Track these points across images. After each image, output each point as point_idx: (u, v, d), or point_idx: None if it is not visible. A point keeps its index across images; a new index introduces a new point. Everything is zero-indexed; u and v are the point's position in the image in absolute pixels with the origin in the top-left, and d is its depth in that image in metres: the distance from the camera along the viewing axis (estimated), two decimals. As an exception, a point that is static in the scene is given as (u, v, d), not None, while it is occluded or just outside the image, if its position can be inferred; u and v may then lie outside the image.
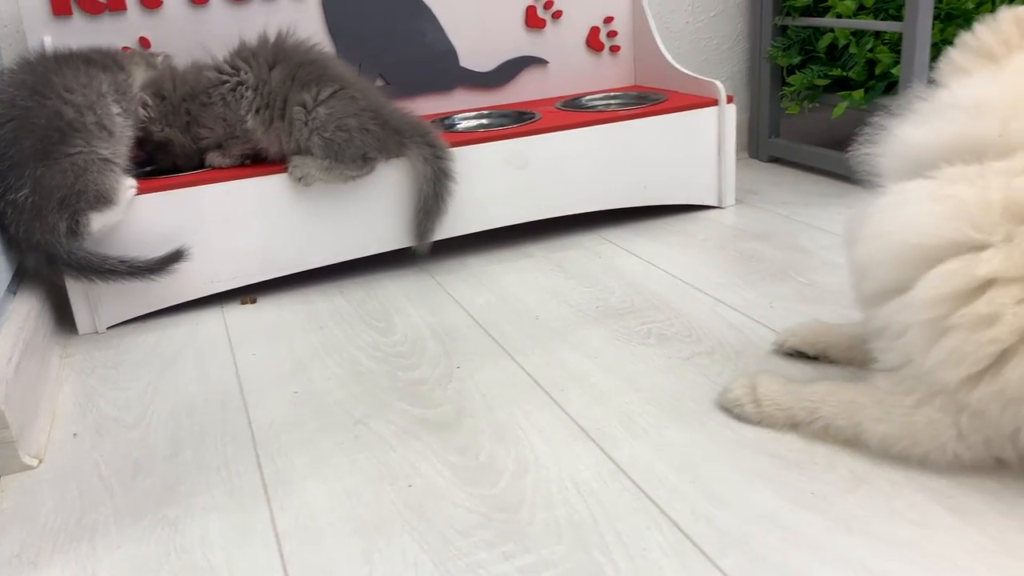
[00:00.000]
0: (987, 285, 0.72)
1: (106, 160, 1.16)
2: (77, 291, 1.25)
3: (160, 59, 1.36)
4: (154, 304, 1.30)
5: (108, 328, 1.28)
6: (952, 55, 0.87)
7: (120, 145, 1.20)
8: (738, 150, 1.95)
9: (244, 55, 1.34)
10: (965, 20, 1.65)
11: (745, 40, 1.92)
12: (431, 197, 1.33)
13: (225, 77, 1.32)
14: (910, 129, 0.83)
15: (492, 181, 1.43)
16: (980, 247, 0.73)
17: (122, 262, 1.20)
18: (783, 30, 1.82)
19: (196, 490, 0.86)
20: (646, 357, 1.06)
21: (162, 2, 1.43)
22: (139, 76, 1.29)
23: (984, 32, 0.85)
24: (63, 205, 1.14)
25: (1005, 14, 0.85)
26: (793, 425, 0.87)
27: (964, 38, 0.87)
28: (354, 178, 1.31)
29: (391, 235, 1.39)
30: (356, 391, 1.03)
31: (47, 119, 1.13)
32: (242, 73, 1.32)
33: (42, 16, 1.37)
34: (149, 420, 1.01)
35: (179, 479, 0.88)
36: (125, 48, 1.40)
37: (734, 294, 1.22)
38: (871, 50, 1.66)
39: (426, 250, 1.37)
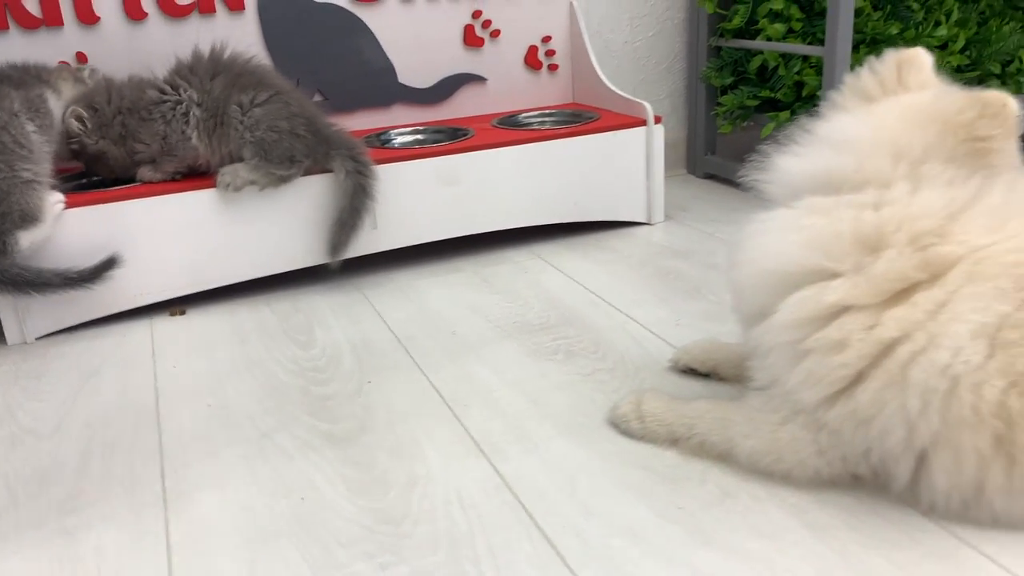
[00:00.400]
0: (838, 312, 0.77)
1: (28, 181, 1.18)
2: (5, 303, 1.27)
3: (87, 73, 1.38)
4: (83, 315, 1.33)
5: (37, 339, 1.30)
6: (836, 93, 0.92)
7: (41, 163, 1.22)
8: (676, 166, 2.01)
9: (183, 73, 1.37)
10: (889, 44, 1.70)
11: (683, 60, 1.97)
12: (348, 211, 1.36)
13: (167, 97, 1.35)
14: (786, 159, 0.88)
15: (423, 197, 1.47)
16: (832, 275, 0.77)
17: (56, 274, 1.23)
18: (717, 51, 1.87)
19: (98, 501, 0.89)
20: (550, 373, 1.10)
21: (99, 18, 1.46)
22: (67, 91, 1.32)
23: (866, 73, 0.90)
24: (-12, 227, 1.16)
25: (889, 57, 0.89)
26: (673, 441, 0.91)
27: (849, 78, 0.91)
28: (281, 179, 1.34)
29: (317, 250, 1.42)
30: (268, 405, 1.07)
31: None
32: (181, 92, 1.35)
33: (-22, 31, 1.40)
34: (63, 431, 1.03)
35: (83, 490, 0.91)
36: (61, 62, 1.43)
37: (646, 311, 1.27)
38: (799, 72, 1.72)
39: (338, 265, 1.40)
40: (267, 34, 1.58)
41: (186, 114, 1.33)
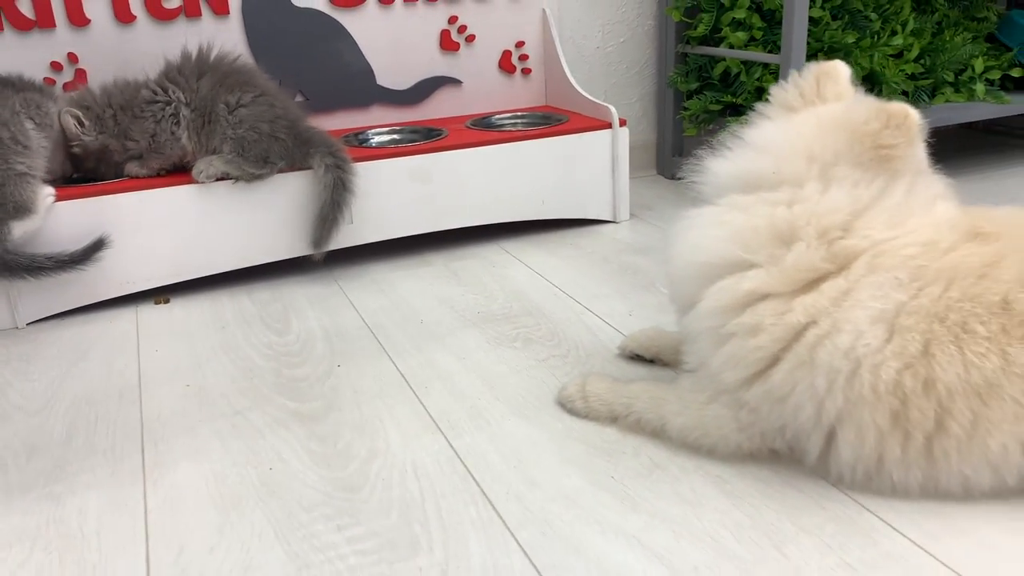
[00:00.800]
0: (754, 300, 0.85)
1: (23, 174, 1.26)
2: (-2, 289, 1.35)
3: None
4: (72, 302, 1.40)
5: (28, 324, 1.38)
6: (762, 103, 0.99)
7: (37, 158, 1.30)
8: (646, 168, 2.09)
9: (172, 76, 1.44)
10: (845, 53, 1.79)
11: (653, 66, 2.05)
12: (329, 205, 1.44)
13: (158, 98, 1.42)
14: (715, 161, 0.96)
15: (398, 194, 1.55)
16: (749, 266, 0.85)
17: (48, 258, 1.30)
18: (684, 57, 1.96)
19: (82, 471, 0.97)
20: (508, 359, 1.18)
21: (90, 20, 1.53)
22: (55, 114, 1.38)
23: (790, 85, 0.97)
24: (-17, 217, 1.24)
25: (811, 69, 0.97)
26: (613, 419, 0.99)
27: (775, 89, 0.99)
28: (253, 177, 1.42)
29: (297, 242, 1.50)
30: (243, 386, 1.14)
31: None
32: (171, 93, 1.42)
33: (-26, 31, 1.47)
34: (51, 409, 1.11)
35: (69, 461, 0.99)
36: (53, 69, 1.51)
37: (602, 303, 1.35)
38: (759, 79, 1.80)
39: (321, 257, 1.48)
40: (251, 37, 1.65)
41: (175, 115, 1.40)
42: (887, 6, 1.92)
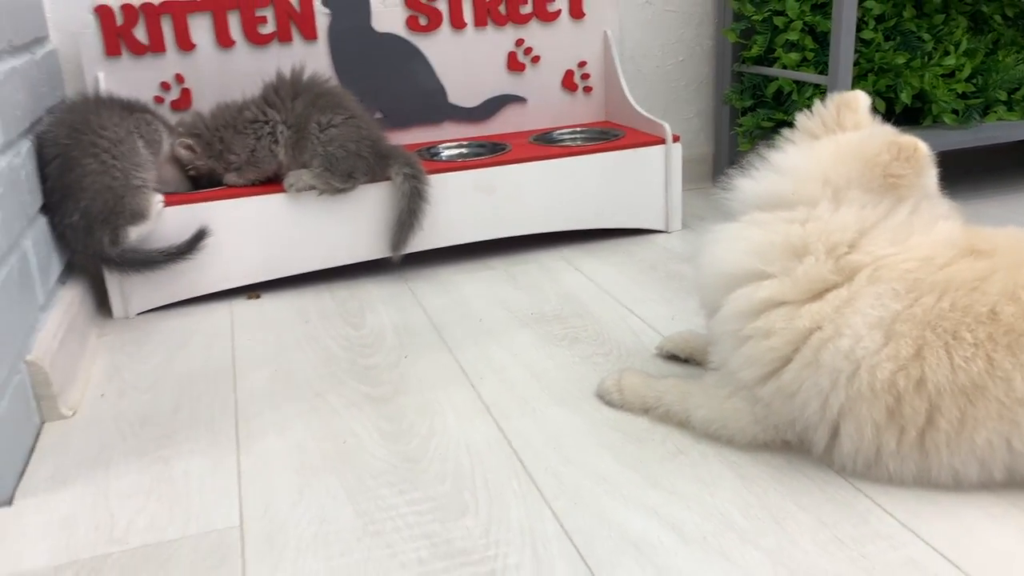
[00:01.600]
0: (768, 306, 0.96)
1: (138, 186, 1.45)
2: (114, 284, 1.54)
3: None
4: (175, 296, 1.59)
5: (137, 314, 1.57)
6: (788, 130, 1.10)
7: (148, 171, 1.49)
8: (703, 180, 2.19)
9: (270, 98, 1.62)
10: (896, 74, 1.86)
11: (710, 83, 2.15)
12: (406, 212, 1.59)
13: (260, 119, 1.60)
14: (743, 180, 1.07)
15: (463, 203, 1.69)
16: (765, 276, 0.96)
17: (159, 252, 1.49)
18: (740, 76, 2.05)
19: (186, 439, 1.13)
20: (556, 355, 1.31)
21: (195, 45, 1.72)
22: (165, 135, 1.56)
23: (814, 113, 1.08)
24: (105, 223, 1.42)
25: (833, 99, 1.07)
26: (645, 410, 1.11)
27: (800, 116, 1.09)
28: (337, 190, 1.58)
29: (375, 246, 1.66)
30: (323, 372, 1.30)
31: (82, 151, 1.41)
32: (270, 114, 1.60)
33: (97, 55, 1.67)
34: (159, 387, 1.28)
35: (175, 430, 1.16)
36: (162, 89, 1.70)
37: (647, 307, 1.46)
38: (810, 98, 1.88)
39: (399, 259, 1.63)
40: (336, 59, 1.82)
41: (273, 133, 1.58)
42: (941, 27, 1.98)
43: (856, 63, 1.87)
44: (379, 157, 1.61)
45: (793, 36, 1.90)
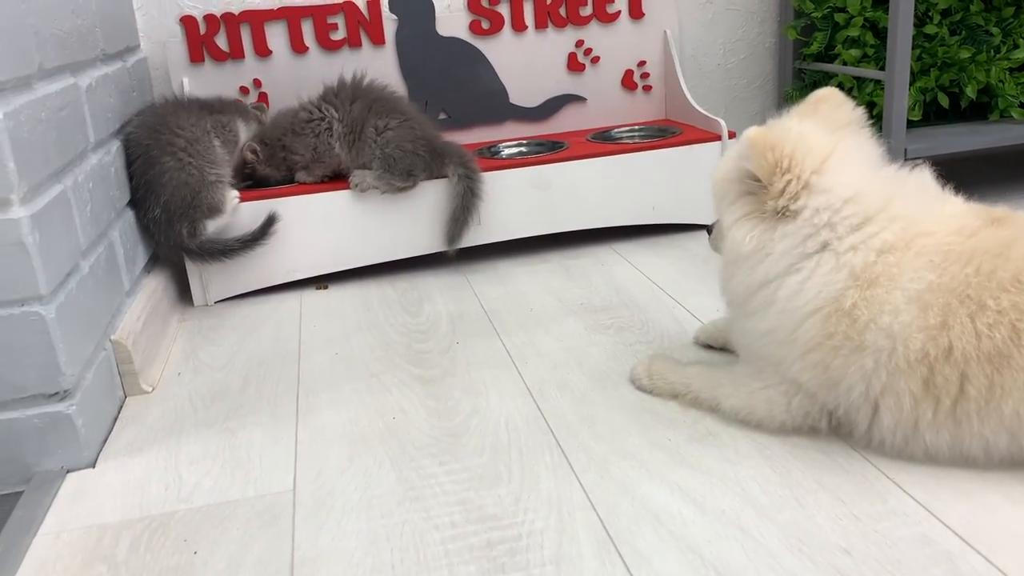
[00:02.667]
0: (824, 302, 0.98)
1: (214, 182, 1.56)
2: (194, 274, 1.66)
3: (263, 114, 1.76)
4: (250, 286, 1.70)
5: (216, 302, 1.68)
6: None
7: (224, 167, 1.60)
8: (764, 177, 2.19)
9: (329, 98, 1.72)
10: (960, 68, 1.84)
11: (772, 81, 2.16)
12: (460, 209, 1.67)
13: (315, 116, 1.71)
14: None
15: (521, 199, 1.75)
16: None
17: (236, 240, 1.61)
18: (800, 73, 2.06)
19: (251, 412, 1.23)
20: (600, 343, 1.36)
21: (271, 51, 1.84)
22: (242, 130, 1.69)
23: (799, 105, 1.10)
24: (184, 217, 1.54)
25: (813, 95, 1.10)
26: (674, 395, 1.15)
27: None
28: (399, 189, 1.66)
29: (434, 240, 1.74)
30: (379, 355, 1.38)
31: (161, 149, 1.53)
32: (325, 111, 1.70)
33: (182, 62, 1.80)
34: (231, 367, 1.39)
35: (242, 405, 1.26)
36: (241, 93, 1.82)
37: (694, 299, 1.50)
38: (871, 94, 1.88)
39: (454, 254, 1.71)
40: (402, 63, 1.91)
41: (329, 128, 1.68)
42: (1011, 20, 1.94)
43: (918, 58, 1.85)
44: (435, 155, 1.68)
45: (854, 32, 1.89)
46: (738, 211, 1.03)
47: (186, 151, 1.54)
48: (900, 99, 1.72)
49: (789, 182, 0.97)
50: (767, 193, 0.98)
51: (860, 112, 1.05)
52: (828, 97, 1.06)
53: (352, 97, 1.70)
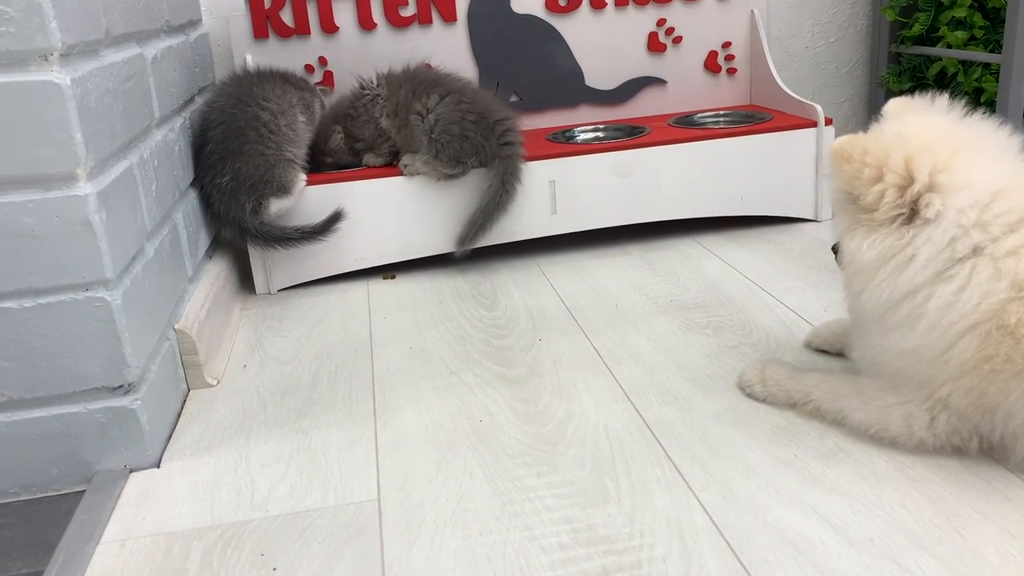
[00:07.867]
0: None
1: (289, 160, 1.48)
2: (257, 260, 1.58)
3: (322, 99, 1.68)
4: (315, 274, 1.61)
5: (279, 291, 1.60)
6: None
7: (301, 148, 1.52)
8: (851, 168, 2.06)
9: (380, 77, 1.63)
10: (1080, 51, 1.69)
11: (864, 65, 2.02)
12: (479, 214, 1.56)
13: (365, 92, 1.62)
14: None
15: (599, 187, 1.65)
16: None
17: (296, 230, 1.52)
18: (898, 57, 1.92)
19: (325, 410, 1.14)
20: (698, 344, 1.24)
21: (338, 27, 1.75)
22: (319, 111, 1.62)
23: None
24: (252, 190, 1.46)
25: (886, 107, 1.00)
26: (791, 404, 1.04)
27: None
28: (447, 176, 1.56)
29: (505, 229, 1.63)
30: (457, 351, 1.28)
31: (246, 121, 1.46)
32: (376, 86, 1.61)
33: (246, 38, 1.72)
34: (299, 360, 1.30)
35: (314, 402, 1.16)
36: (306, 71, 1.73)
37: (796, 297, 1.38)
38: (978, 79, 1.74)
39: (463, 254, 1.59)
40: (474, 42, 1.81)
41: (374, 101, 1.60)
42: None
43: (1034, 40, 1.71)
44: (488, 133, 1.55)
45: (960, 13, 1.75)
46: (844, 222, 0.94)
47: (267, 126, 1.46)
48: (1019, 84, 1.58)
49: (885, 192, 0.86)
50: (862, 206, 0.88)
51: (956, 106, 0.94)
52: (909, 105, 0.95)
53: (401, 81, 1.61)
